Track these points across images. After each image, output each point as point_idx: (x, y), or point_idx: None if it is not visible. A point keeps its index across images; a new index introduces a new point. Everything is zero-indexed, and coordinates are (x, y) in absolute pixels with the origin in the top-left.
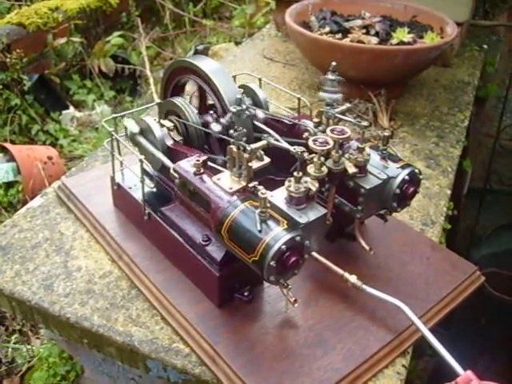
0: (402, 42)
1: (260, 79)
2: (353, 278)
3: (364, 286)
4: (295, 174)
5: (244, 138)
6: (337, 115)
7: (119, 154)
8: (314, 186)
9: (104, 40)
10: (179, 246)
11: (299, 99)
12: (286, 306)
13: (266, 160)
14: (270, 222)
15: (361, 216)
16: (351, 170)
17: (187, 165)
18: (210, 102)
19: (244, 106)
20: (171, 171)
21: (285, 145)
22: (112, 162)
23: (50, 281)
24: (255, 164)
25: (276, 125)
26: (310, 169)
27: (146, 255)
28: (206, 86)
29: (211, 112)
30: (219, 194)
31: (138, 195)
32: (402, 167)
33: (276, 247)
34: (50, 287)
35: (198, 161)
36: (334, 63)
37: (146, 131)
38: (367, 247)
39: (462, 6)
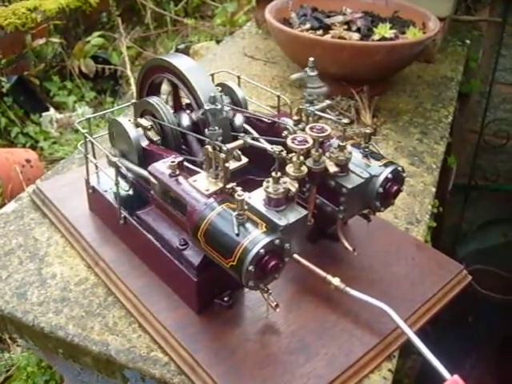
0: (384, 38)
1: (239, 77)
2: (336, 281)
3: (347, 289)
4: (273, 174)
5: (220, 138)
6: (316, 112)
7: (94, 156)
8: (293, 187)
9: (84, 40)
10: (156, 250)
11: (279, 97)
12: (267, 311)
13: (244, 160)
14: (248, 225)
15: (343, 216)
16: (332, 169)
17: (163, 166)
18: (187, 101)
19: (219, 105)
20: (147, 173)
21: (262, 144)
22: (86, 165)
23: (24, 289)
24: (232, 164)
25: (256, 123)
26: (289, 169)
27: (122, 260)
28: (181, 84)
29: (187, 111)
30: (195, 196)
31: (113, 199)
32: (385, 165)
33: (254, 251)
34: (24, 296)
35: (174, 162)
36: (311, 59)
37: (119, 132)
38: (351, 248)
39: (444, 1)
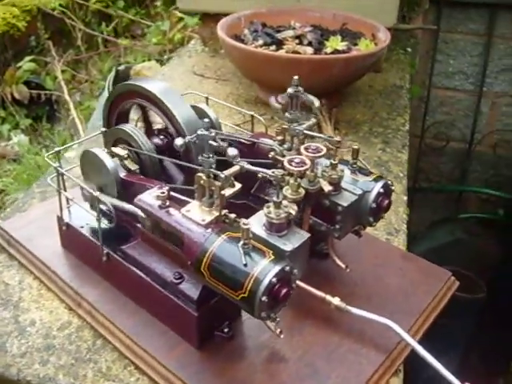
0: (336, 51)
1: (207, 98)
2: (336, 301)
3: (348, 308)
4: (275, 199)
5: (213, 165)
6: (305, 132)
7: (65, 189)
8: (293, 210)
9: (15, 66)
10: (147, 286)
11: (252, 116)
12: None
13: (238, 186)
14: (254, 254)
15: (339, 235)
16: (327, 188)
17: (149, 197)
18: (157, 126)
19: (213, 132)
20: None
21: (259, 169)
22: (59, 201)
23: (1, 340)
24: (227, 191)
25: (234, 146)
26: (287, 191)
27: (108, 300)
28: (156, 110)
29: (161, 137)
30: (192, 228)
31: (91, 235)
32: (375, 180)
33: (266, 281)
34: (3, 348)
35: (164, 193)
36: (295, 77)
37: (94, 164)
38: (343, 265)
39: (388, 11)
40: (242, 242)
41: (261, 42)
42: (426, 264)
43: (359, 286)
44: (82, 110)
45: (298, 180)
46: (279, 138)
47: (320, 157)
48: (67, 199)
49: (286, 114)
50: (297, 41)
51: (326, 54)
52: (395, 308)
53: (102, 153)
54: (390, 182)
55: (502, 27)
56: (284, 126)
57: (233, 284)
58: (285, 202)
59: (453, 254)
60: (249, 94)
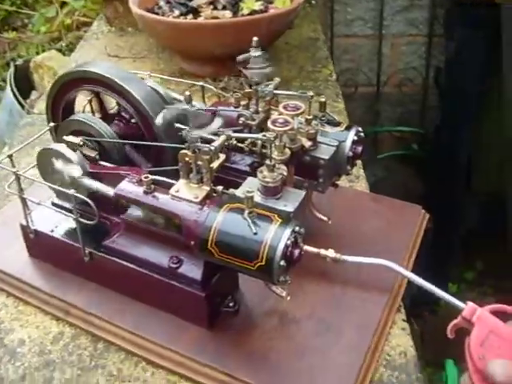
0: (254, 11)
1: (149, 75)
2: (331, 253)
3: (344, 257)
4: (267, 162)
5: (199, 140)
6: (276, 92)
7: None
8: (284, 171)
9: None
10: (142, 277)
11: (203, 87)
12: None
13: (222, 157)
14: (261, 221)
15: (322, 188)
16: (307, 144)
17: (130, 185)
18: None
19: (196, 105)
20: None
21: (248, 135)
22: (24, 208)
23: None
24: (214, 164)
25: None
26: (273, 153)
27: (98, 300)
28: (110, 93)
29: (116, 122)
30: (187, 208)
31: (65, 237)
32: (347, 129)
33: (281, 246)
34: None
35: (147, 177)
36: (255, 38)
37: (55, 162)
38: (325, 218)
39: None
40: (247, 212)
41: (177, 12)
42: (396, 203)
43: (342, 235)
44: None
45: (283, 140)
46: (243, 102)
47: (300, 114)
48: (26, 204)
49: (251, 77)
50: (211, 6)
51: (243, 15)
52: (382, 248)
53: (64, 148)
54: (360, 129)
55: None
56: (247, 90)
57: (247, 255)
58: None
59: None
60: (171, 67)
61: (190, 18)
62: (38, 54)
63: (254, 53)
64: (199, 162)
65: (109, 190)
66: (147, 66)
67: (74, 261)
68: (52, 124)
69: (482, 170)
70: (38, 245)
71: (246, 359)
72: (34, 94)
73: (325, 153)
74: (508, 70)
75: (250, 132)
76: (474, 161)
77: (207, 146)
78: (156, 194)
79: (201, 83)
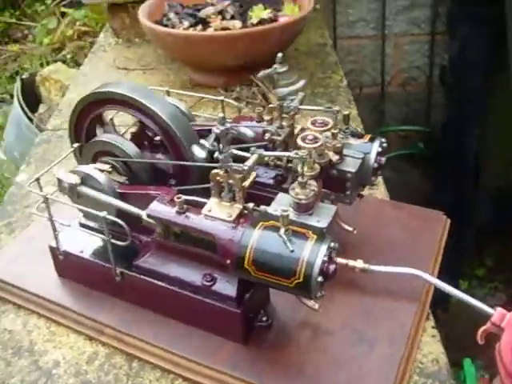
0: (263, 20)
1: (168, 91)
2: (359, 264)
3: (372, 267)
4: (300, 179)
5: (231, 159)
6: (301, 107)
7: (51, 217)
8: (316, 187)
9: None
10: (173, 295)
11: (222, 101)
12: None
13: (253, 174)
14: (296, 239)
15: (350, 200)
16: (335, 158)
17: (161, 206)
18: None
19: (228, 125)
20: (144, 218)
21: (281, 153)
22: (53, 230)
23: None
24: (246, 182)
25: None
26: (304, 169)
27: (131, 319)
28: (132, 112)
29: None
30: (221, 227)
31: (95, 257)
32: (371, 140)
33: (319, 262)
34: None
35: (180, 198)
36: (280, 54)
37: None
38: (350, 228)
39: None
40: (283, 230)
41: (186, 23)
42: (417, 209)
43: (367, 244)
44: None
45: (314, 156)
46: (267, 117)
47: (328, 130)
48: (54, 226)
49: (275, 92)
50: (220, 16)
51: (252, 24)
52: (407, 257)
53: (92, 170)
54: (384, 140)
55: None
56: (271, 105)
57: (284, 273)
58: (309, 181)
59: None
60: (181, 78)
61: (199, 29)
62: (41, 65)
63: (280, 69)
64: (231, 181)
65: (139, 211)
66: (157, 77)
67: (104, 280)
68: (77, 144)
69: (491, 166)
70: (68, 265)
71: (283, 373)
72: (41, 108)
73: (351, 166)
74: None
75: (274, 147)
76: (481, 157)
77: (240, 165)
78: (188, 213)
79: (221, 98)
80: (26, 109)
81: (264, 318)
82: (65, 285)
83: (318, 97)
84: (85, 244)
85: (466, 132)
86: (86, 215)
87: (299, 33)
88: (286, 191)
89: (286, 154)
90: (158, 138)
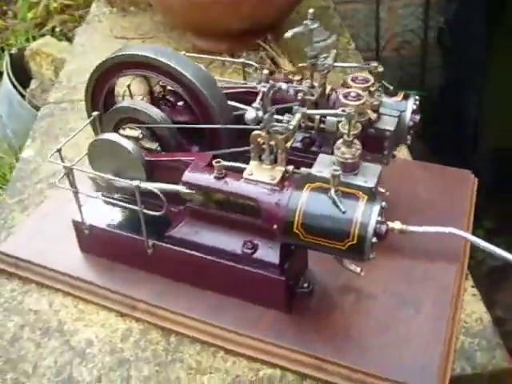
0: None
1: (185, 54)
2: (397, 225)
3: (411, 228)
4: (345, 137)
5: (274, 119)
6: (336, 64)
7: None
8: (359, 146)
9: None
10: (211, 265)
11: (243, 63)
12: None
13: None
14: (347, 200)
15: (387, 160)
16: (373, 116)
17: (198, 172)
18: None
19: (272, 82)
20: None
21: (326, 111)
22: (77, 203)
23: (66, 373)
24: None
25: (244, 97)
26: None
27: (164, 292)
28: (161, 76)
29: (164, 105)
30: (265, 191)
31: (124, 230)
32: (405, 98)
33: (373, 222)
34: (73, 380)
35: (219, 162)
36: (311, 10)
37: (109, 152)
38: (383, 190)
39: None
40: (333, 190)
41: None
42: (445, 169)
43: (400, 205)
44: None
45: (355, 114)
46: (297, 77)
47: (370, 86)
48: (78, 199)
49: (307, 50)
50: None
51: None
52: (441, 216)
53: (118, 138)
54: (418, 97)
55: None
56: (301, 64)
57: (336, 235)
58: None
59: None
60: (184, 46)
61: None
62: (27, 40)
63: (312, 25)
64: (272, 142)
65: (171, 186)
66: (158, 45)
67: (134, 253)
68: (96, 113)
69: (490, 130)
70: (93, 240)
71: (330, 339)
72: (33, 83)
73: (389, 124)
74: None
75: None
76: (480, 119)
77: (283, 125)
78: (228, 178)
79: (241, 60)
80: (17, 85)
81: (305, 285)
82: (88, 260)
83: None
84: (110, 216)
85: (464, 95)
86: (109, 187)
87: None
88: (314, 154)
89: (332, 111)
90: (180, 103)
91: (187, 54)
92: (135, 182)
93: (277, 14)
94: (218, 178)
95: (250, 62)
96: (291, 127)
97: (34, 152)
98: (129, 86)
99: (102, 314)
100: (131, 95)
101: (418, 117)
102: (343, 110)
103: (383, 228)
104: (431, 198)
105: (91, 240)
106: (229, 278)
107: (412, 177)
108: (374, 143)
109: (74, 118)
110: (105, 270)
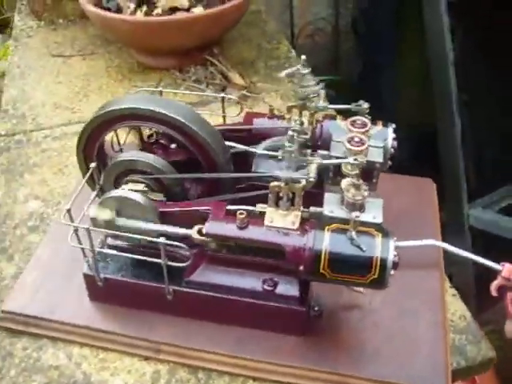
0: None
1: (161, 92)
2: None
3: (396, 244)
4: (355, 181)
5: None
6: (330, 106)
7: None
8: (364, 184)
9: None
10: (232, 303)
11: (223, 98)
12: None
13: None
14: (365, 238)
15: (375, 187)
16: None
17: (218, 223)
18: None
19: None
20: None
21: (338, 160)
22: (94, 259)
23: None
24: None
25: (231, 135)
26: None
27: (186, 331)
28: (153, 125)
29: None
30: (290, 236)
31: (141, 279)
32: (385, 126)
33: (391, 257)
34: None
35: (242, 214)
36: (303, 57)
37: (123, 208)
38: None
39: None
40: (353, 232)
41: (132, 5)
42: (406, 179)
43: None
44: None
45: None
46: (288, 116)
47: (368, 131)
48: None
49: (298, 90)
50: None
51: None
52: (415, 227)
53: (135, 194)
54: (393, 125)
55: None
56: (291, 104)
57: (360, 272)
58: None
59: None
60: (127, 62)
61: (144, 10)
62: None
63: (303, 70)
64: (291, 191)
65: (187, 231)
66: (100, 63)
67: (152, 300)
68: (93, 165)
69: (405, 107)
70: (107, 290)
71: (346, 355)
72: None
73: (377, 156)
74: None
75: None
76: (397, 99)
77: (303, 177)
78: (251, 227)
79: (222, 95)
80: None
81: (316, 308)
82: (101, 308)
83: (273, 70)
84: (120, 266)
85: (379, 77)
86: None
87: (247, 7)
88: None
89: (345, 161)
90: (173, 146)
91: (164, 90)
92: (161, 240)
93: (223, 31)
94: (240, 228)
95: (231, 97)
96: (311, 180)
97: (0, 193)
98: (116, 132)
99: (126, 360)
100: (119, 142)
101: (395, 142)
102: (355, 159)
103: (396, 259)
104: (403, 209)
105: (104, 290)
106: (250, 313)
107: (383, 189)
108: (363, 174)
109: (33, 152)
110: (118, 316)
